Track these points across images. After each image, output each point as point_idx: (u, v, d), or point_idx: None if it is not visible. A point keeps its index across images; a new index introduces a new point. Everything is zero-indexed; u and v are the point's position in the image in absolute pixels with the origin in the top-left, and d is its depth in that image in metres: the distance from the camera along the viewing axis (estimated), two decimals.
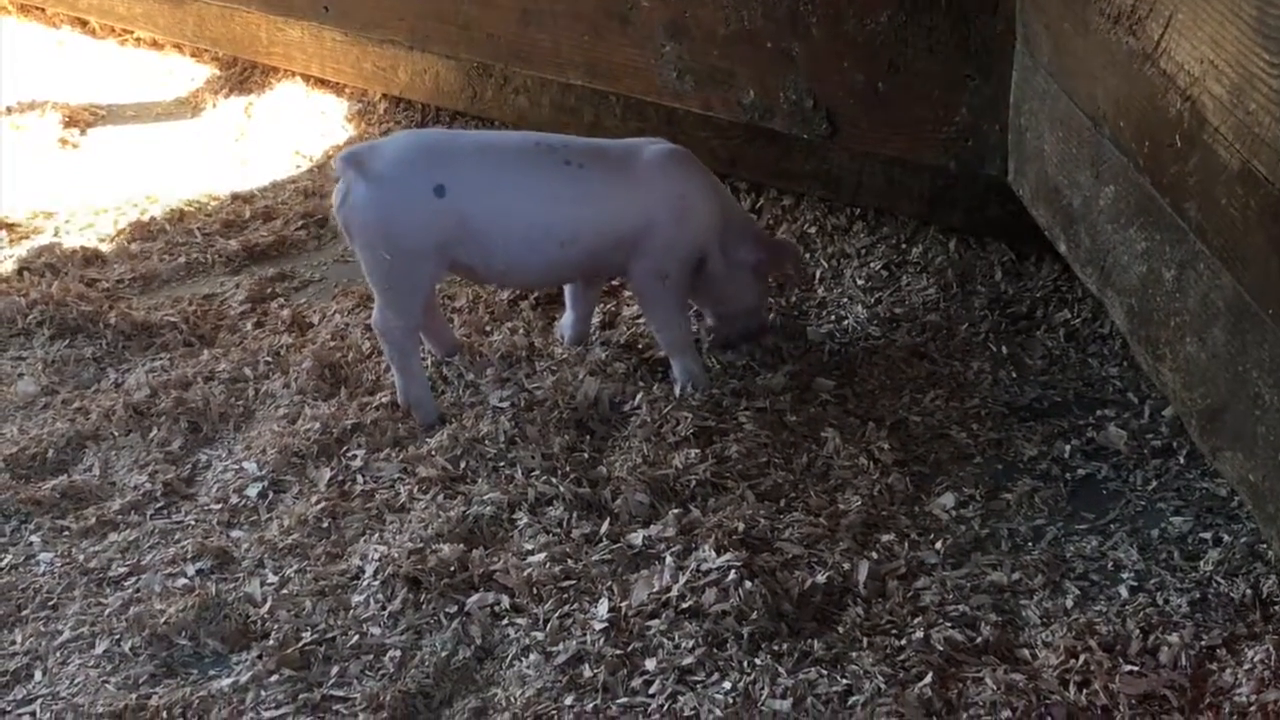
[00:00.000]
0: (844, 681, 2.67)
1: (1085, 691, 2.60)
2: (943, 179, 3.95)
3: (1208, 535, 3.03)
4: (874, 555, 3.02)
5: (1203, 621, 2.76)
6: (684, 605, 2.85)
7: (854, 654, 2.74)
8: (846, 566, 2.98)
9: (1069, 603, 2.87)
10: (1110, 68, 2.73)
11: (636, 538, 3.07)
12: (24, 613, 3.02)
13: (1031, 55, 3.17)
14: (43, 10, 6.37)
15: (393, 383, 3.60)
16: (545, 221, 3.43)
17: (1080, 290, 3.82)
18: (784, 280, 3.88)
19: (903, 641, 2.77)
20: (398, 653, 2.83)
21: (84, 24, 6.26)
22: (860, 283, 4.08)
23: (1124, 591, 2.89)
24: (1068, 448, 3.37)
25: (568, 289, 3.79)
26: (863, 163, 4.11)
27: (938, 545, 3.07)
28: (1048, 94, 3.09)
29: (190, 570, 3.10)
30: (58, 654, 2.90)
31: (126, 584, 3.09)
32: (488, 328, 3.94)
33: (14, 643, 2.93)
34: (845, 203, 4.31)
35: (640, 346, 3.78)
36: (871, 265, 4.15)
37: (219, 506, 3.32)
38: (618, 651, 2.77)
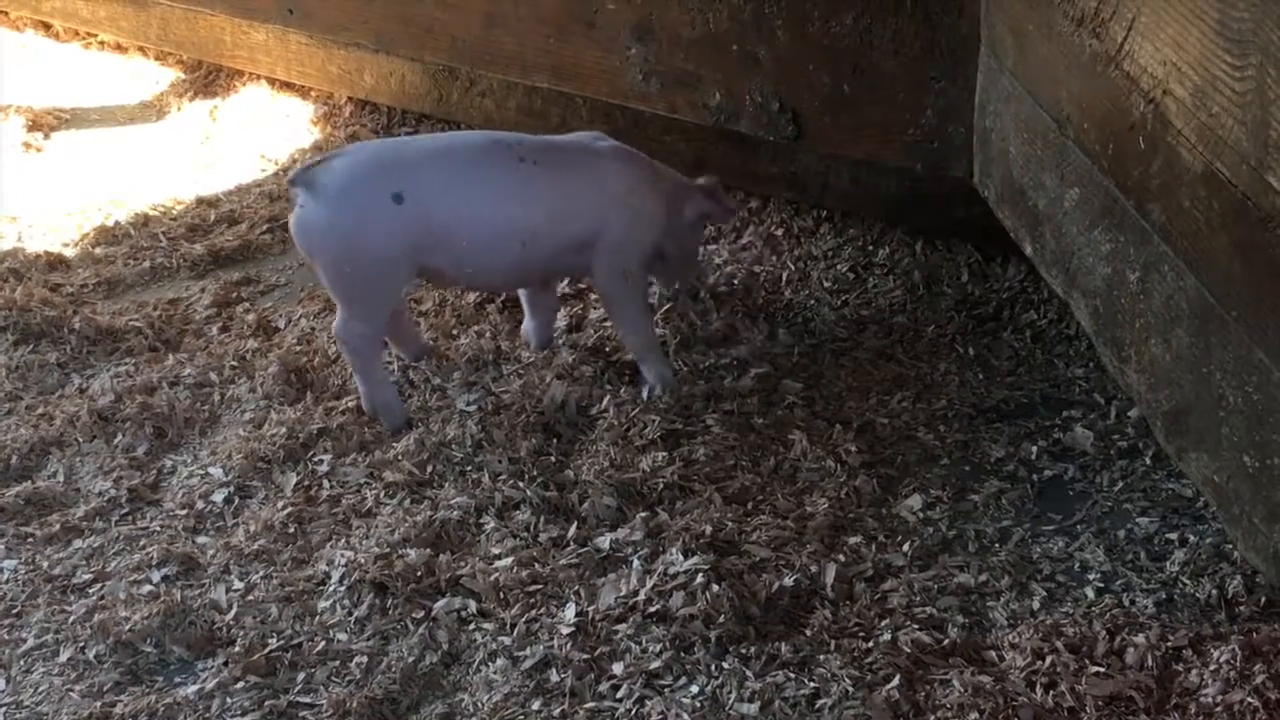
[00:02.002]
0: (811, 684, 2.67)
1: (1052, 693, 2.60)
2: (909, 181, 3.95)
3: (1174, 536, 3.04)
4: (841, 558, 3.02)
5: (1169, 622, 2.77)
6: (651, 609, 2.85)
7: (821, 656, 2.74)
8: (814, 569, 2.98)
9: (1036, 604, 2.88)
10: (1074, 70, 2.74)
11: (604, 541, 3.07)
12: None
13: (996, 58, 3.18)
14: (6, 13, 6.33)
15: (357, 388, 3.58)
16: (505, 219, 3.44)
17: (1046, 292, 3.83)
18: (715, 216, 3.84)
19: (870, 644, 2.77)
20: (364, 659, 2.82)
21: (47, 27, 6.22)
22: (827, 285, 4.08)
23: (1090, 593, 2.90)
24: (1034, 449, 3.38)
25: (524, 296, 3.78)
26: (829, 165, 4.12)
27: (905, 547, 3.07)
28: (1012, 96, 3.09)
29: (155, 577, 3.09)
30: (21, 662, 2.89)
31: (91, 591, 3.07)
32: (454, 331, 3.93)
33: None
34: (812, 205, 4.32)
35: (607, 350, 3.77)
36: (838, 267, 4.15)
37: (184, 512, 3.31)
38: (585, 656, 2.77)
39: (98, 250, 4.57)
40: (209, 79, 5.71)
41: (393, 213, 3.36)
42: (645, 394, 3.57)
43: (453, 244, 3.43)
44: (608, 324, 3.83)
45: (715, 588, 2.87)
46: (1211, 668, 2.61)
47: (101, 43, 6.08)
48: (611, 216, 3.49)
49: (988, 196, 3.37)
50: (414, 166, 3.43)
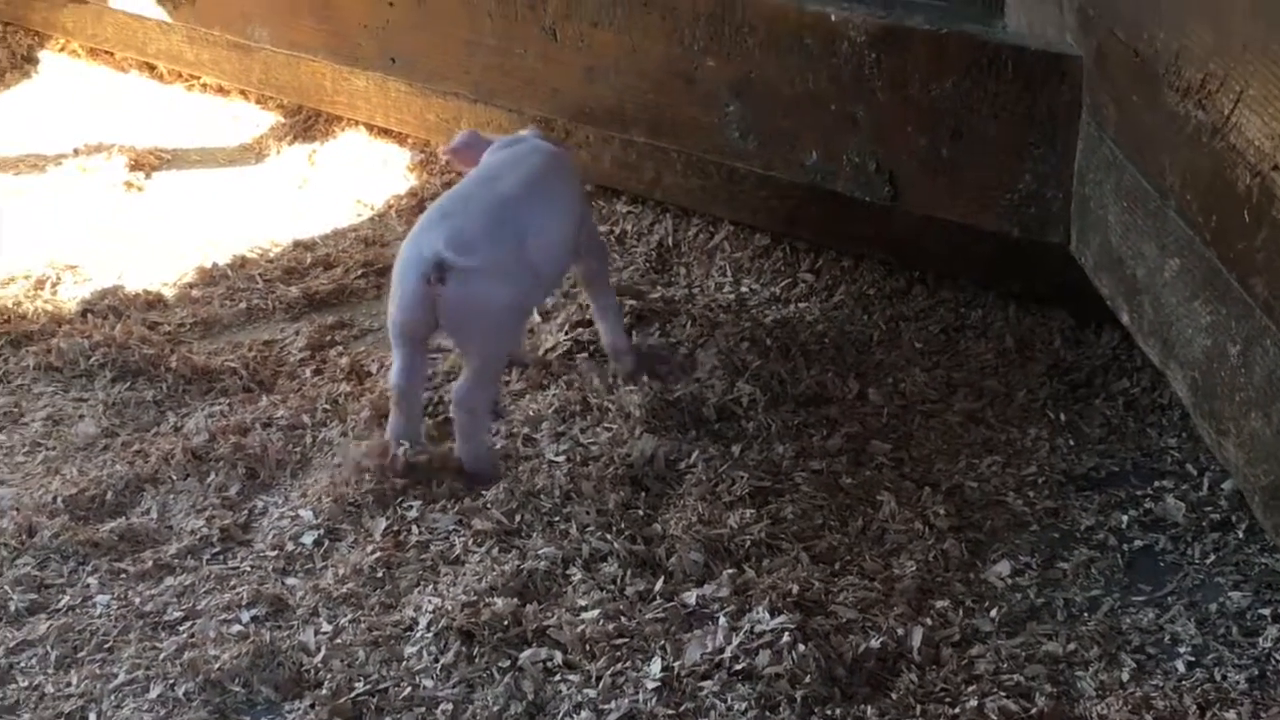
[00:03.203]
0: None
1: None
2: (1004, 245, 3.94)
3: (1266, 611, 3.01)
4: (928, 621, 3.01)
5: (1261, 699, 2.74)
6: (737, 667, 2.85)
7: None
8: (900, 632, 2.97)
9: (1125, 676, 2.86)
10: (1178, 141, 2.73)
11: (690, 597, 3.07)
12: (80, 654, 3.03)
13: (1098, 125, 3.17)
14: (112, 54, 6.43)
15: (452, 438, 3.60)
16: (568, 230, 3.70)
17: (1139, 359, 3.80)
18: None
19: (956, 710, 2.76)
20: (450, 706, 2.84)
21: (152, 69, 6.32)
22: (918, 345, 4.07)
23: (1181, 666, 2.88)
24: (1125, 518, 3.35)
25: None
26: (923, 226, 4.11)
27: (993, 613, 3.06)
28: (1113, 164, 3.08)
29: (245, 617, 3.11)
30: (112, 697, 2.91)
31: (182, 629, 3.10)
32: (544, 382, 3.94)
33: (69, 684, 2.94)
34: (905, 266, 4.32)
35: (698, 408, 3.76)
36: (930, 328, 4.14)
37: (275, 553, 3.34)
38: (670, 711, 2.77)
39: (195, 290, 4.63)
40: (308, 123, 5.78)
41: (521, 263, 3.48)
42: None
43: (545, 276, 3.62)
44: None
45: (801, 647, 2.86)
46: None
47: (204, 85, 6.17)
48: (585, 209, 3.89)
49: (1084, 263, 3.36)
50: (516, 210, 3.53)
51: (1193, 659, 2.90)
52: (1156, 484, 3.47)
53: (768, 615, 2.96)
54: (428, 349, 3.69)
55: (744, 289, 4.43)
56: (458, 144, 3.91)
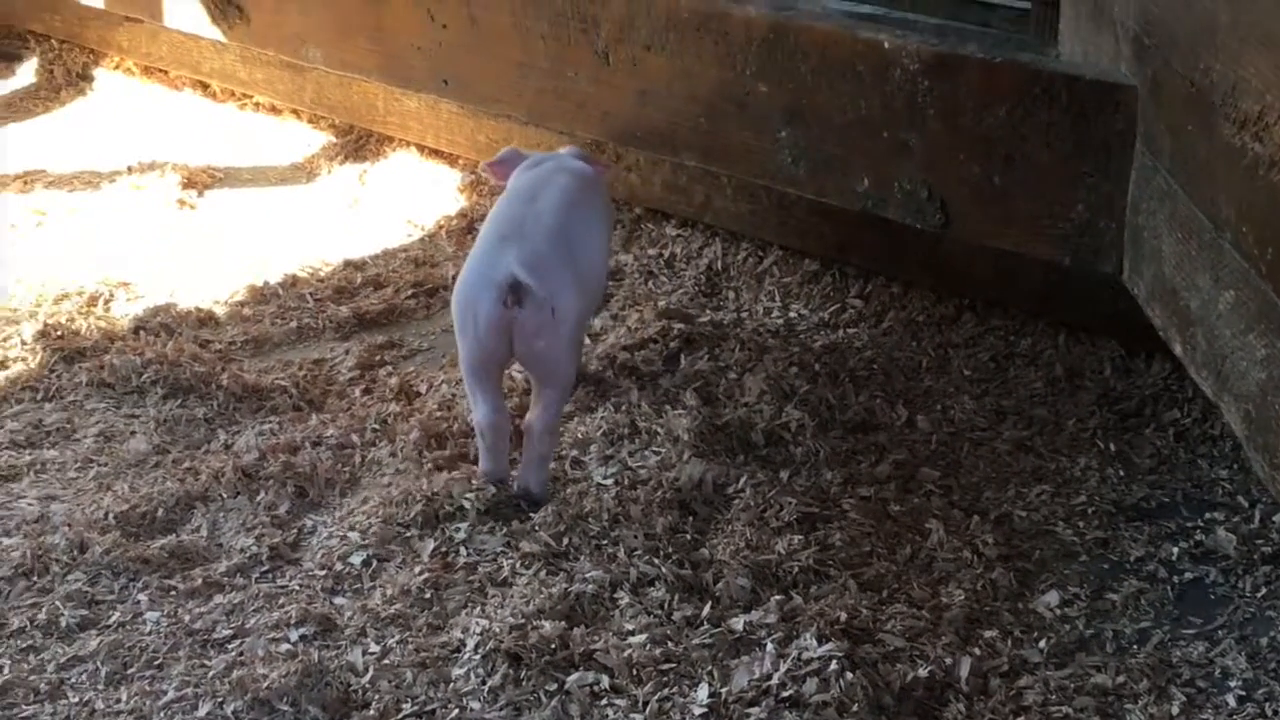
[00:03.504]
0: None
1: None
2: (1055, 273, 3.94)
3: None
4: (976, 651, 3.01)
5: None
6: (785, 694, 2.85)
7: None
8: (949, 661, 2.96)
9: (1174, 709, 2.85)
10: (1234, 172, 2.72)
11: (738, 623, 3.07)
12: (130, 671, 3.05)
13: (1152, 155, 3.16)
14: (166, 73, 6.48)
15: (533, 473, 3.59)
16: (607, 246, 3.88)
17: (1191, 390, 3.79)
18: None
19: None
20: None
21: (205, 87, 6.36)
22: (967, 373, 4.07)
23: (1232, 700, 2.86)
24: (1175, 550, 3.34)
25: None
26: (974, 254, 4.11)
27: (1041, 644, 3.05)
28: (1167, 194, 3.07)
29: (293, 636, 3.12)
30: (161, 714, 2.92)
31: (230, 647, 3.11)
32: (592, 404, 3.95)
33: (119, 700, 2.95)
34: (954, 293, 4.31)
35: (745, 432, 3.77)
36: (979, 356, 4.13)
37: (323, 573, 3.34)
38: None
39: (246, 309, 4.66)
40: (359, 143, 5.81)
41: (580, 280, 3.52)
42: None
43: (594, 293, 3.73)
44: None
45: (849, 675, 2.86)
46: None
47: (257, 104, 6.21)
48: None
49: (1137, 294, 3.34)
50: (567, 228, 3.58)
51: (1243, 693, 2.89)
52: (1207, 516, 3.46)
53: (815, 642, 2.96)
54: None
55: (793, 314, 4.43)
56: (497, 158, 3.93)
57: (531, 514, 3.47)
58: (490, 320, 3.40)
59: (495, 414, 3.52)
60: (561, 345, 3.47)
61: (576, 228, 3.62)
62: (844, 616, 3.05)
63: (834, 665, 2.88)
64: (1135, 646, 3.06)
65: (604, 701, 2.89)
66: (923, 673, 2.91)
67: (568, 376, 3.57)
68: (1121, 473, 3.63)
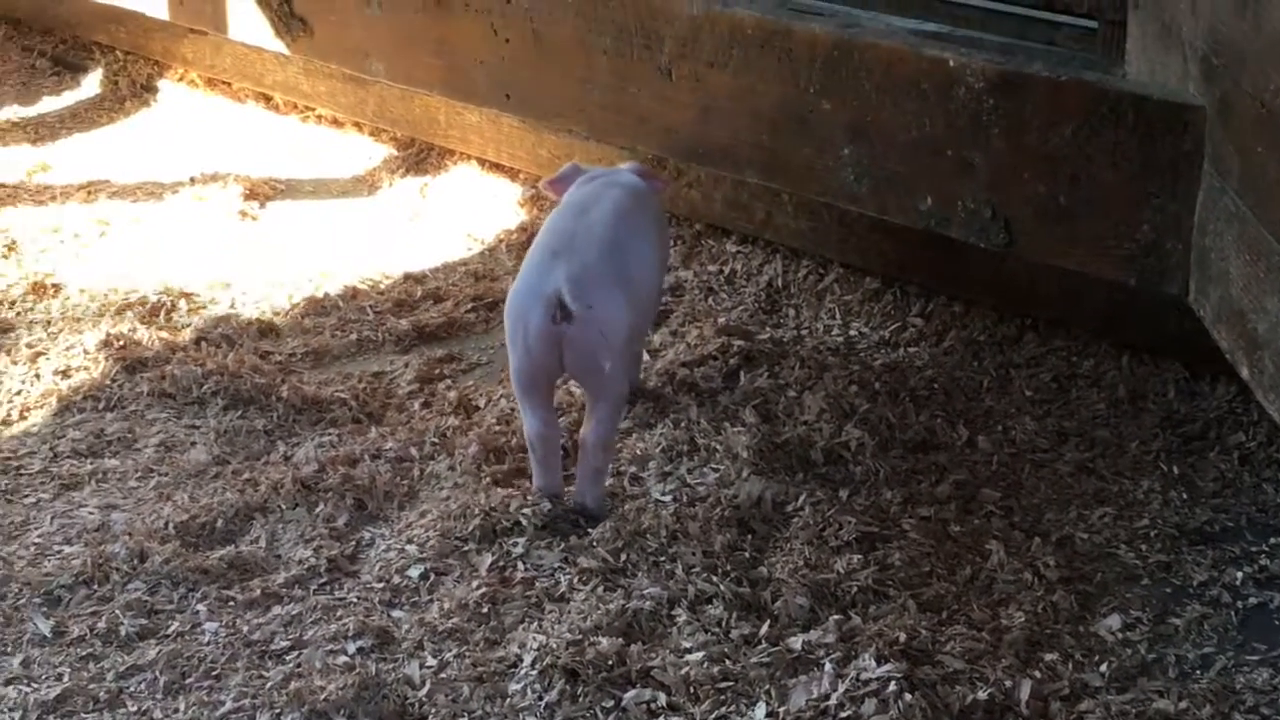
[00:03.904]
0: None
1: None
2: (1119, 294, 3.91)
3: None
4: (1037, 674, 2.98)
5: None
6: (843, 714, 2.83)
7: None
8: (1008, 684, 2.94)
9: None
10: None
11: (796, 642, 3.05)
12: (188, 681, 3.05)
13: (1220, 176, 3.13)
14: (229, 85, 6.52)
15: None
16: (664, 261, 3.94)
17: (1256, 413, 3.75)
18: None
19: None
20: None
21: (268, 99, 6.40)
22: (1029, 393, 4.04)
23: None
24: (1239, 574, 3.31)
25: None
26: (1037, 273, 4.09)
27: (1102, 668, 3.02)
28: (1236, 216, 3.04)
29: (351, 648, 3.12)
30: None
31: (288, 658, 3.11)
32: (651, 420, 3.94)
33: (177, 710, 2.96)
34: (1017, 312, 4.29)
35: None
36: (1041, 377, 4.11)
37: (381, 585, 3.35)
38: None
39: (307, 320, 4.67)
40: (420, 156, 5.82)
41: (633, 294, 3.52)
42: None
43: (648, 308, 3.75)
44: None
45: (908, 697, 2.84)
46: None
47: (319, 116, 6.24)
48: None
49: (1203, 316, 3.31)
50: (619, 243, 3.57)
51: None
52: (1272, 540, 3.42)
53: (874, 663, 2.94)
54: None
55: (853, 332, 4.41)
56: (557, 175, 3.94)
57: (589, 529, 3.46)
58: (540, 334, 3.40)
59: (545, 427, 3.53)
60: (611, 360, 3.45)
61: (629, 242, 3.61)
62: (903, 637, 3.02)
63: (893, 686, 2.86)
64: (1198, 672, 3.03)
65: (660, 719, 2.88)
66: (982, 695, 2.89)
67: (619, 392, 3.56)
68: (1185, 496, 3.60)
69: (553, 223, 3.68)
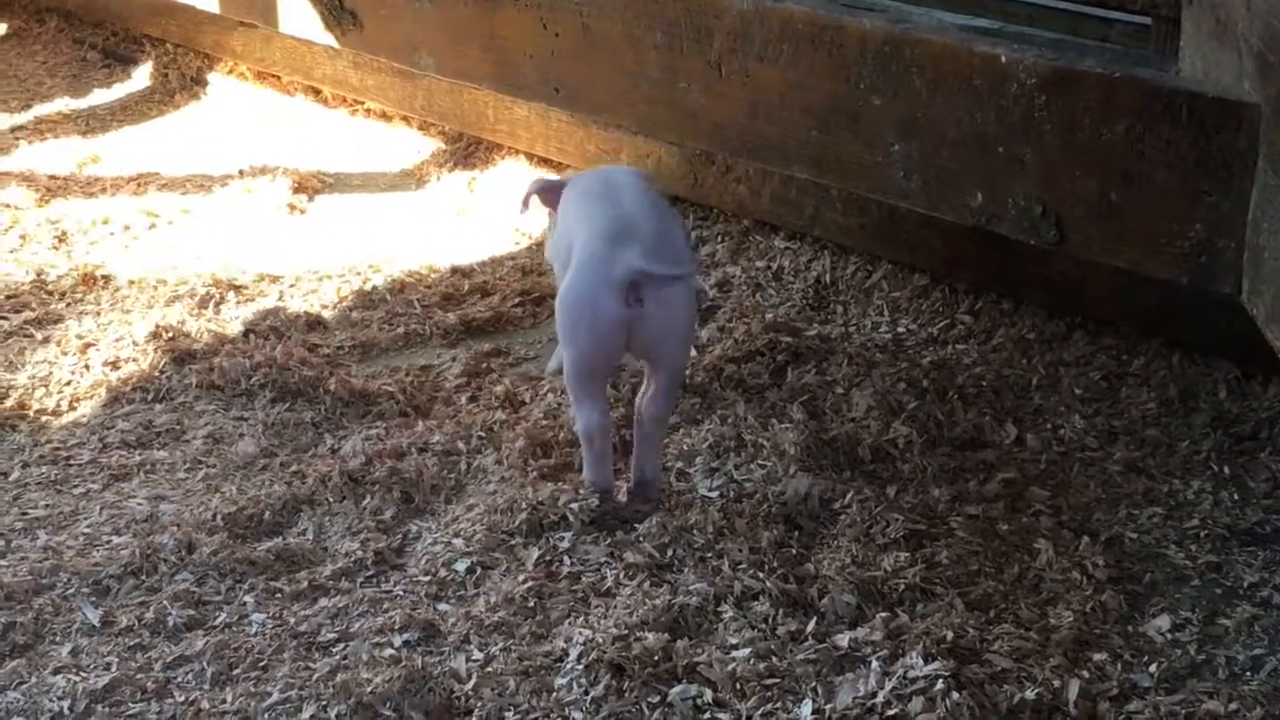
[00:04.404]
0: None
1: None
2: (1170, 292, 3.89)
3: None
4: (1085, 674, 2.96)
5: None
6: (889, 712, 2.82)
7: None
8: (1056, 684, 2.92)
9: None
10: None
11: (842, 639, 3.04)
12: (235, 672, 3.06)
13: (1275, 174, 3.10)
14: (278, 78, 6.54)
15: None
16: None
17: None
18: None
19: None
20: None
21: (317, 93, 6.41)
22: (1078, 392, 4.02)
23: None
24: None
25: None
26: (1087, 271, 4.06)
27: (1151, 669, 3.00)
28: None
29: (397, 641, 3.13)
30: (265, 715, 2.93)
31: (335, 650, 3.12)
32: (698, 416, 3.94)
33: (224, 701, 2.97)
34: (1066, 310, 4.26)
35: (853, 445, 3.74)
36: (1090, 375, 4.08)
37: (427, 579, 3.35)
38: None
39: (354, 314, 4.68)
40: (469, 151, 5.83)
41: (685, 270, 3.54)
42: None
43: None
44: None
45: (955, 695, 2.83)
46: None
47: (368, 110, 6.25)
48: None
49: (1256, 315, 3.28)
50: (663, 220, 3.62)
51: None
52: None
53: (921, 661, 2.93)
54: None
55: (901, 329, 4.40)
56: (544, 187, 3.97)
57: (642, 508, 3.49)
58: (613, 321, 3.39)
59: (604, 417, 3.53)
60: (683, 335, 3.53)
61: (670, 221, 3.68)
62: (950, 635, 3.01)
63: (940, 685, 2.85)
64: (1248, 673, 3.01)
65: (706, 715, 2.87)
66: (1030, 695, 2.87)
67: (682, 366, 3.61)
68: (1235, 496, 3.58)
69: (589, 216, 3.64)
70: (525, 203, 3.91)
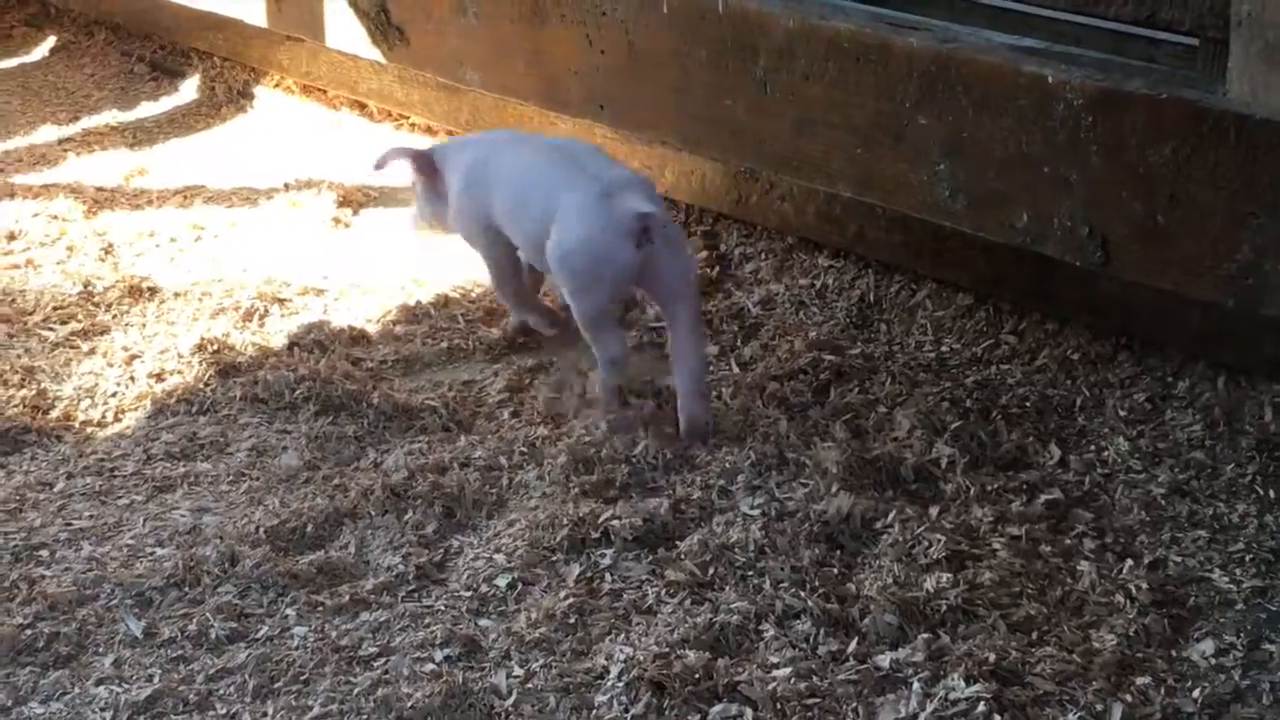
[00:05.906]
0: None
1: None
2: (1215, 314, 3.87)
3: None
4: (1128, 698, 2.95)
5: None
6: None
7: None
8: (1099, 708, 2.91)
9: None
10: None
11: (884, 660, 3.04)
12: (277, 685, 3.08)
13: None
14: (324, 92, 6.56)
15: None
16: None
17: None
18: None
19: None
20: None
21: (363, 107, 6.43)
22: (1122, 414, 3.99)
23: None
24: None
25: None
26: (1132, 292, 4.04)
27: (1195, 693, 2.98)
28: None
29: (438, 656, 3.13)
30: None
31: (376, 665, 3.13)
32: (741, 434, 3.93)
33: (265, 714, 2.98)
34: (1111, 331, 4.24)
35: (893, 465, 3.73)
36: (1135, 397, 4.06)
37: (469, 594, 3.36)
38: None
39: (398, 328, 4.69)
40: None
41: None
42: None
43: None
44: None
45: (997, 718, 2.82)
46: None
47: (413, 124, 6.26)
48: None
49: None
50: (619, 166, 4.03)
51: None
52: None
53: (963, 683, 2.92)
54: None
55: (945, 348, 4.38)
56: (399, 158, 4.42)
57: (698, 451, 3.72)
58: (628, 265, 3.68)
59: (624, 339, 3.90)
60: (691, 263, 3.90)
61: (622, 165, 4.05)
62: (993, 657, 3.00)
63: (981, 707, 2.85)
64: None
65: None
66: (1073, 718, 2.87)
67: (698, 298, 3.92)
68: None
69: (551, 174, 3.94)
70: (380, 164, 4.18)
